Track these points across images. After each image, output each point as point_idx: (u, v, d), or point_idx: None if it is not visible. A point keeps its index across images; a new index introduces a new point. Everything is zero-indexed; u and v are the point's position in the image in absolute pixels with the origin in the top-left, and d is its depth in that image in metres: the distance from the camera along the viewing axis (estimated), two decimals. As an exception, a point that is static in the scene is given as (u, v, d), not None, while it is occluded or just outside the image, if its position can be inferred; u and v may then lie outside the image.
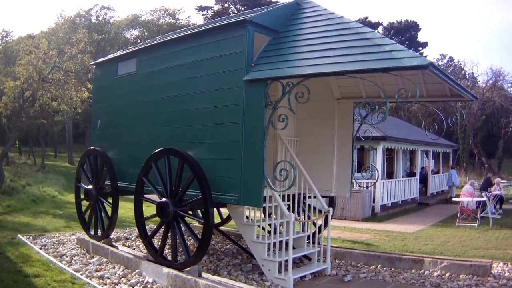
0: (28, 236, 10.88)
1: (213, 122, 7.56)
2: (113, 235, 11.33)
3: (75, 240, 10.57)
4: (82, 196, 10.62)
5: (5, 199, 16.65)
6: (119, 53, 10.83)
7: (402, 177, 21.60)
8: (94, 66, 11.59)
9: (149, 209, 8.72)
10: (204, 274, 7.43)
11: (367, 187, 17.37)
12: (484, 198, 15.62)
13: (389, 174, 22.16)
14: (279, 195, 7.82)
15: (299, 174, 8.76)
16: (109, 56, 10.94)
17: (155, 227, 9.03)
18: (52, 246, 10.15)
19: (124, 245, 10.34)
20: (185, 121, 8.11)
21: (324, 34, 6.91)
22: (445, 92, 7.97)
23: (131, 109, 9.45)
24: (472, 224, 14.63)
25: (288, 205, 8.65)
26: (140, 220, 8.43)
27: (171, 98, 8.44)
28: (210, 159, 7.50)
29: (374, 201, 18.18)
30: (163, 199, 7.80)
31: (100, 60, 11.11)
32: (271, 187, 7.16)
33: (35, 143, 38.47)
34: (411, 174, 23.66)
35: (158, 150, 8.01)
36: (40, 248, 9.77)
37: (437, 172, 27.06)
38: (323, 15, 7.44)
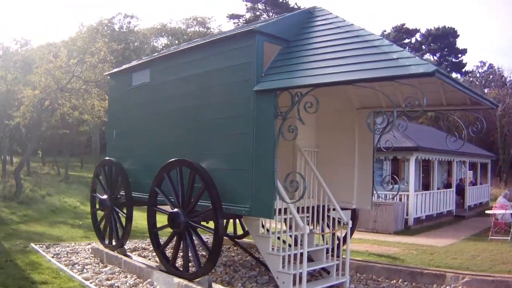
0: (41, 245, 11.38)
1: (224, 132, 7.88)
2: (131, 245, 11.87)
3: (90, 249, 11.09)
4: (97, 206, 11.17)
5: (22, 209, 17.27)
6: (133, 63, 11.32)
7: (438, 189, 21.46)
8: (109, 77, 12.15)
9: (162, 219, 9.12)
10: (214, 285, 7.79)
11: (400, 199, 17.43)
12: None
13: (426, 185, 22.03)
14: (294, 207, 8.04)
15: (318, 186, 9.06)
16: (124, 67, 11.45)
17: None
18: (65, 255, 10.64)
19: (140, 255, 10.80)
20: (197, 132, 8.48)
21: (333, 43, 7.15)
22: (465, 100, 8.12)
23: (145, 119, 9.90)
24: (505, 238, 14.57)
25: (308, 217, 8.94)
26: (152, 230, 8.85)
27: (183, 109, 8.82)
28: (221, 170, 7.83)
29: (407, 214, 18.17)
30: (175, 210, 8.19)
31: (114, 70, 11.63)
32: (282, 198, 7.43)
33: (59, 153, 39.44)
34: (447, 186, 23.47)
35: (169, 161, 8.40)
36: (52, 257, 10.26)
37: (475, 184, 26.73)
38: (333, 23, 7.68)
